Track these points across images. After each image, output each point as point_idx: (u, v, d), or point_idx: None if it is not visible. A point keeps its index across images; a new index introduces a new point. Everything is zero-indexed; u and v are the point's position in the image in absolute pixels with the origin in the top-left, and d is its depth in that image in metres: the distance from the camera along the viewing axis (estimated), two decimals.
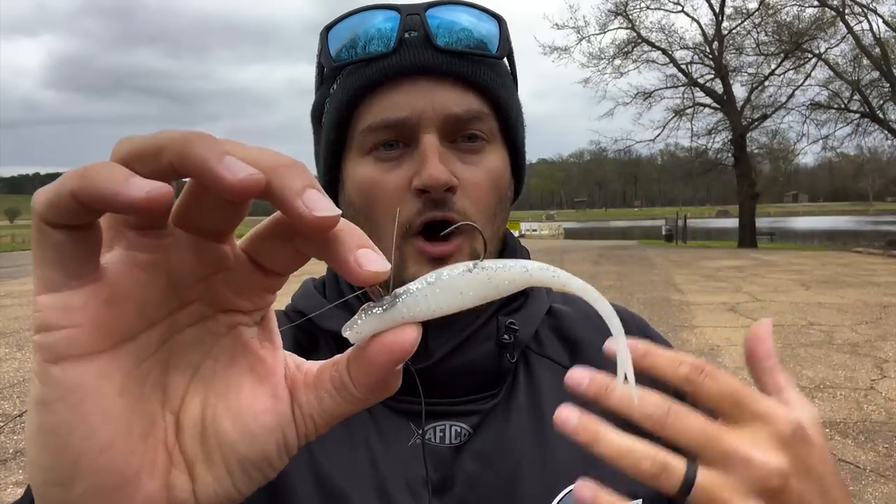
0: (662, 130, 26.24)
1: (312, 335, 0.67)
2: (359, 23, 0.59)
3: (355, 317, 0.27)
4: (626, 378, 0.34)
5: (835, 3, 21.85)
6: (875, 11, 21.82)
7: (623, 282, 12.74)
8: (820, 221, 69.58)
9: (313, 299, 0.69)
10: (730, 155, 25.35)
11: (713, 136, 25.72)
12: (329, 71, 0.61)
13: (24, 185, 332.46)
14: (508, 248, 0.70)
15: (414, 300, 0.27)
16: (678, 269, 15.07)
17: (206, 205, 0.25)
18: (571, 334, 0.69)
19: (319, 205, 0.23)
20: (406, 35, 0.58)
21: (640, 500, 0.63)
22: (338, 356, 0.29)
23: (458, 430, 0.61)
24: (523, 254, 0.72)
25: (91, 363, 0.24)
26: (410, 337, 0.26)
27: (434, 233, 0.58)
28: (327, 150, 0.62)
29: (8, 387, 5.99)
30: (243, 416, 0.27)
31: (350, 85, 0.59)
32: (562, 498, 0.59)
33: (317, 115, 0.65)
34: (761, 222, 37.77)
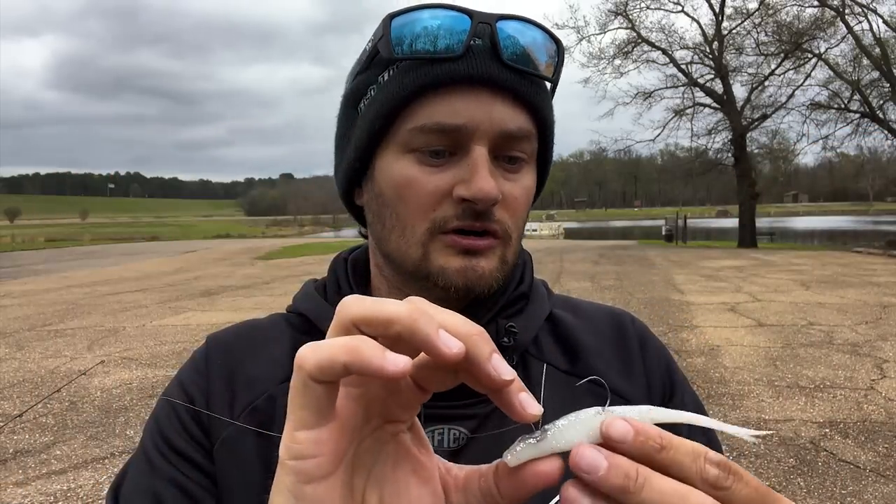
0: (662, 130, 26.24)
1: (312, 337, 0.67)
2: (427, 18, 0.57)
3: (515, 444, 0.33)
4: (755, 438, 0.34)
5: (835, 3, 21.83)
6: (875, 11, 21.80)
7: (623, 282, 12.74)
8: (820, 221, 69.56)
9: (313, 301, 0.69)
10: (730, 155, 25.32)
11: (713, 136, 25.71)
12: (382, 59, 0.59)
13: (24, 185, 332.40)
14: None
15: (560, 434, 0.32)
16: (678, 269, 15.07)
17: (400, 349, 0.30)
18: (571, 339, 0.69)
19: (504, 369, 0.30)
20: (472, 42, 0.57)
21: None
22: (484, 467, 0.35)
23: (457, 434, 0.61)
24: (521, 255, 0.72)
25: (329, 480, 0.31)
26: (557, 467, 0.32)
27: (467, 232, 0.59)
28: (366, 137, 0.61)
29: (8, 387, 5.98)
30: None
31: (409, 80, 0.57)
32: (556, 502, 0.59)
33: (354, 99, 0.63)
34: (761, 222, 37.76)
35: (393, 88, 0.58)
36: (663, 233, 30.04)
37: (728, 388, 5.42)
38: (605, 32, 25.87)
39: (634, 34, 25.29)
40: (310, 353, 0.29)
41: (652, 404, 0.71)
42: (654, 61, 25.78)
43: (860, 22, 22.23)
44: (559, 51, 0.61)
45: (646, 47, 25.46)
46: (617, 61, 25.77)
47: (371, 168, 0.62)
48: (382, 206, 0.61)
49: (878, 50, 21.79)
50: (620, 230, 58.76)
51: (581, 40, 25.82)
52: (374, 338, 0.30)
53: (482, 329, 0.31)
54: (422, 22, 0.57)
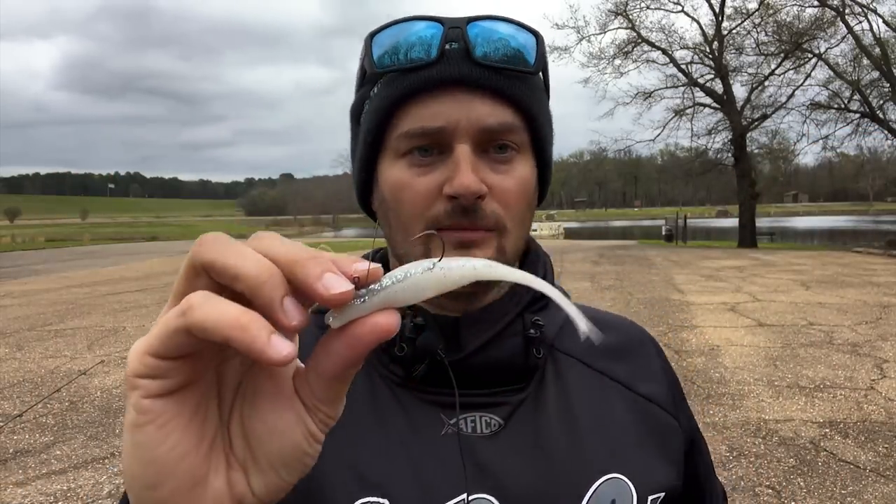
0: (662, 130, 26.22)
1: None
2: (402, 31, 0.61)
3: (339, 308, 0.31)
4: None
5: (835, 3, 21.82)
6: (875, 11, 21.79)
7: (623, 282, 12.73)
8: (820, 221, 69.57)
9: None
10: (730, 155, 25.31)
11: (713, 136, 25.68)
12: (371, 75, 0.64)
13: (24, 185, 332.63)
14: (531, 251, 0.74)
15: (385, 294, 0.31)
16: (678, 269, 15.07)
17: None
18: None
19: (335, 284, 0.30)
20: (447, 46, 0.60)
21: (664, 493, 0.66)
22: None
23: (489, 420, 0.64)
24: (542, 256, 0.74)
25: (175, 396, 0.31)
26: (391, 319, 0.31)
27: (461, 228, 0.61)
28: (364, 149, 0.65)
29: (8, 387, 5.98)
30: (267, 418, 0.33)
31: (391, 92, 0.61)
32: (594, 490, 0.62)
33: (356, 114, 0.67)
34: (761, 222, 37.76)
35: (379, 101, 0.62)
36: (663, 233, 30.04)
37: (728, 388, 5.42)
38: (605, 32, 25.88)
39: (634, 34, 25.30)
40: (199, 308, 0.28)
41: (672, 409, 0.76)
42: (654, 61, 25.80)
43: (860, 22, 22.25)
44: (538, 41, 0.64)
45: (646, 47, 25.48)
46: (617, 61, 25.74)
47: (375, 177, 0.66)
48: (387, 210, 0.65)
49: (878, 50, 21.78)
50: (620, 230, 58.81)
51: (581, 40, 25.84)
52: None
53: (313, 252, 0.31)
54: (399, 35, 0.61)
